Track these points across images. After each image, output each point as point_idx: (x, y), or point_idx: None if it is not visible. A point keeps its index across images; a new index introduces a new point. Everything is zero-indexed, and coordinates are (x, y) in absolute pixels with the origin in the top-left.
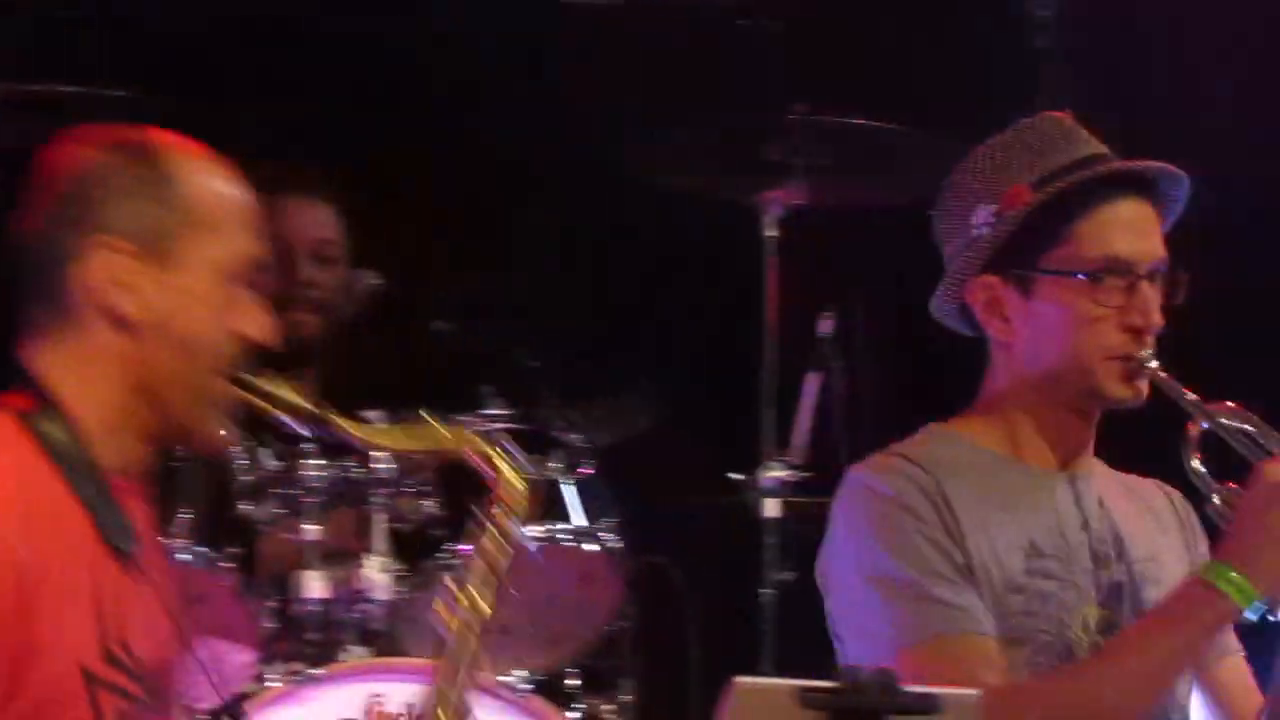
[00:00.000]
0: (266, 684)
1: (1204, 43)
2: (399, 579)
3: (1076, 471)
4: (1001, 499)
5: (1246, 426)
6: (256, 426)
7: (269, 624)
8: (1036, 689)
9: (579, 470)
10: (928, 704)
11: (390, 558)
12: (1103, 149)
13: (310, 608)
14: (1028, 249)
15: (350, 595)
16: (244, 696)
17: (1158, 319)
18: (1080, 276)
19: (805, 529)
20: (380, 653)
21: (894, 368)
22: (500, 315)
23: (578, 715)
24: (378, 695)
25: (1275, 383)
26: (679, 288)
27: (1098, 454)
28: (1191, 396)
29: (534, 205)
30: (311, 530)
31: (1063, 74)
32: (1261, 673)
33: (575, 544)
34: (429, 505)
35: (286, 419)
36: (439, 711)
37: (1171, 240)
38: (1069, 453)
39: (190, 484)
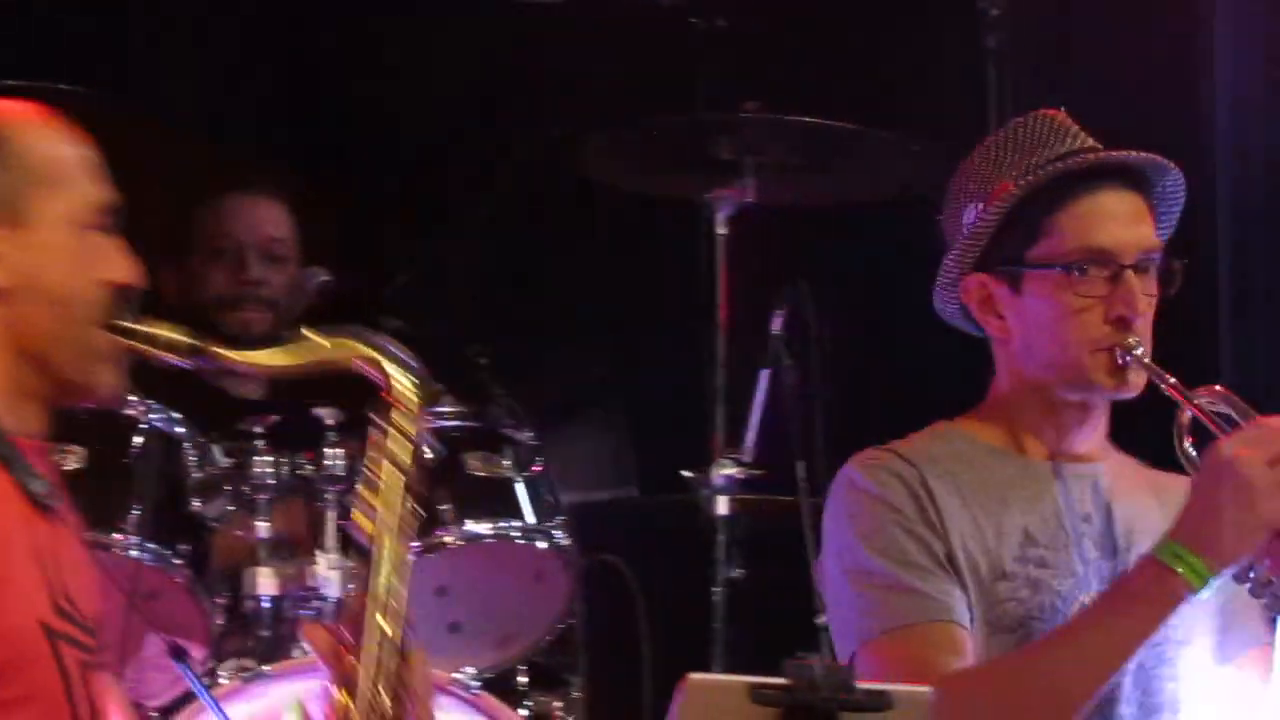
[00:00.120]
0: (218, 681)
1: (1154, 39)
2: (350, 576)
3: (1082, 463)
4: (997, 490)
5: (1226, 409)
6: (209, 423)
7: (220, 621)
8: (991, 670)
9: (530, 468)
10: (879, 700)
11: (342, 555)
12: (1090, 142)
13: (262, 604)
14: (1013, 244)
15: (301, 592)
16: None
17: (1143, 308)
18: (1059, 269)
19: (757, 526)
20: None
21: (846, 365)
22: (451, 313)
23: (528, 712)
24: None
25: None
26: (630, 285)
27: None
28: (1172, 381)
29: (485, 203)
30: (263, 527)
31: (1013, 72)
32: None
33: (526, 541)
34: None
35: (169, 358)
36: (372, 612)
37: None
38: (1072, 444)
39: (142, 480)
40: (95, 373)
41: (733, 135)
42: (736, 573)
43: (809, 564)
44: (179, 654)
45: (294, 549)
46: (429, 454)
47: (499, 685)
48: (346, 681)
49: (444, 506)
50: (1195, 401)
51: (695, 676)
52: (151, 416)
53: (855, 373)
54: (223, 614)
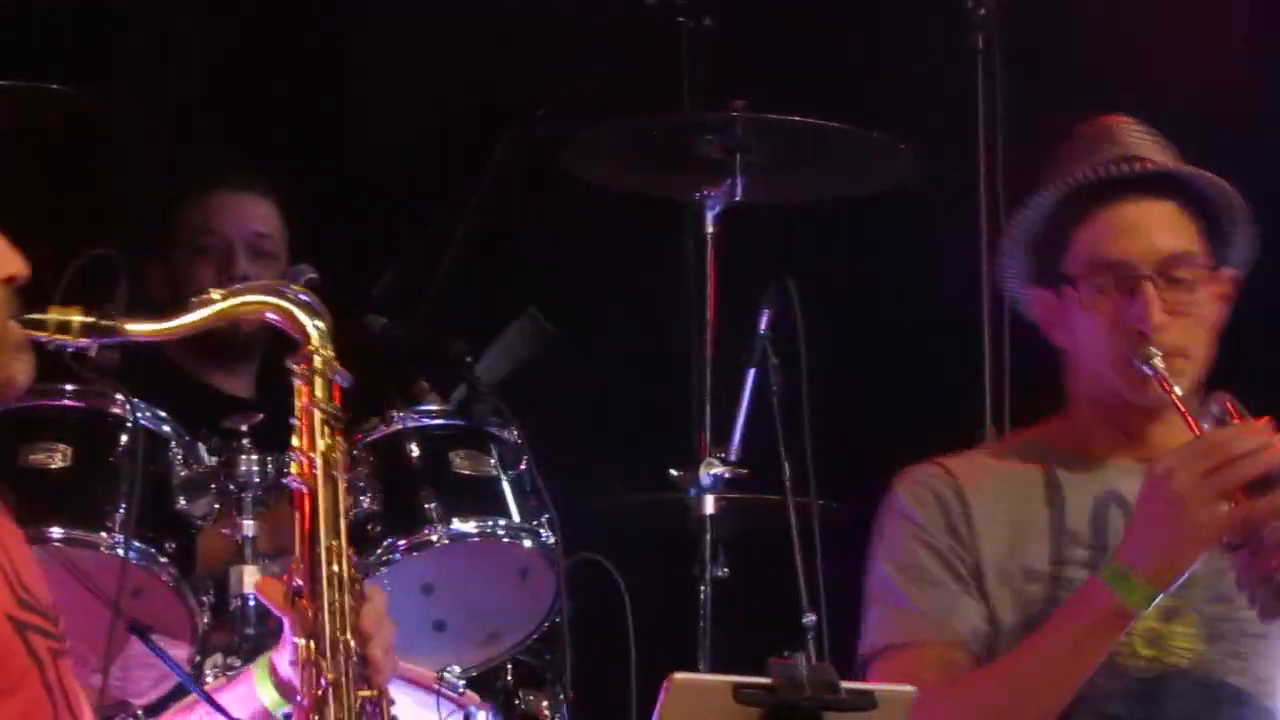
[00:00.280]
0: (203, 678)
1: (1143, 37)
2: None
3: (1145, 465)
4: (1047, 494)
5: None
6: (195, 422)
7: (206, 619)
8: (961, 685)
9: (516, 466)
10: (863, 700)
11: None
12: (1129, 151)
13: (247, 603)
14: (1051, 257)
15: None
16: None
17: (1158, 319)
18: (1069, 284)
19: (743, 526)
20: None
21: (834, 365)
22: (437, 311)
23: (513, 711)
24: None
25: None
26: (617, 284)
27: None
28: (1178, 394)
29: (472, 201)
30: (248, 525)
31: (1001, 71)
32: None
33: (512, 540)
34: (366, 502)
35: (81, 342)
36: (318, 553)
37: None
38: (1136, 447)
39: (128, 478)
40: (8, 365)
41: (720, 134)
42: (723, 572)
43: (795, 564)
44: (142, 632)
45: (279, 548)
46: (343, 383)
47: (484, 684)
48: (308, 628)
49: (429, 505)
50: (1205, 416)
51: (680, 676)
52: (138, 415)
53: (842, 372)
54: (208, 612)
